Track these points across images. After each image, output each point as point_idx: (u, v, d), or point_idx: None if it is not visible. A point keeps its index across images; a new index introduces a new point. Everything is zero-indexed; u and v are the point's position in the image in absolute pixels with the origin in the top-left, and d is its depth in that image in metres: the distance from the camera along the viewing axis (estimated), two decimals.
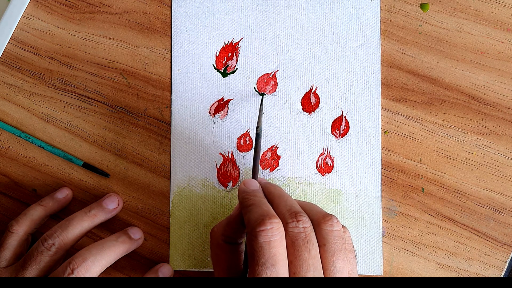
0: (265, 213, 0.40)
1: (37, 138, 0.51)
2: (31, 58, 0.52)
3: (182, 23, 0.52)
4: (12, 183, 0.52)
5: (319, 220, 0.42)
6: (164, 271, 0.49)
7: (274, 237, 0.39)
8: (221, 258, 0.44)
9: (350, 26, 0.51)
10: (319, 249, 0.41)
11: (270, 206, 0.42)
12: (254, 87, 0.51)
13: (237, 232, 0.44)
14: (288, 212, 0.41)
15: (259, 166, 0.51)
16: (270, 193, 0.44)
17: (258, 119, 0.48)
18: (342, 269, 0.41)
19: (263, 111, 0.50)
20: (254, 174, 0.46)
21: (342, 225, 0.42)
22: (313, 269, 0.39)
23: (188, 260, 0.50)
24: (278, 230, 0.39)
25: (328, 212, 0.43)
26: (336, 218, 0.42)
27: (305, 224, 0.41)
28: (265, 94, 0.50)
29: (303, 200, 0.50)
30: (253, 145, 0.46)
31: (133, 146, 0.51)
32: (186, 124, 0.51)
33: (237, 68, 0.51)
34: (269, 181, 0.50)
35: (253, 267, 0.39)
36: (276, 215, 0.40)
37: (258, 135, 0.47)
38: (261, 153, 0.51)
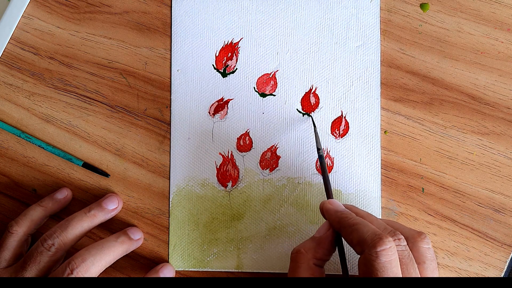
0: (378, 232, 0.39)
1: (37, 138, 0.51)
2: (31, 58, 0.52)
3: (182, 23, 0.52)
4: (12, 183, 0.52)
5: (415, 237, 0.42)
6: (166, 271, 0.49)
7: (393, 256, 0.39)
8: None
9: (350, 26, 0.51)
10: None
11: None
12: (254, 87, 0.51)
13: (328, 254, 0.43)
14: (385, 231, 0.41)
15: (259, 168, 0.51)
16: (358, 213, 0.44)
17: (316, 141, 0.49)
18: None
19: (317, 131, 0.50)
20: (330, 196, 0.46)
21: None
22: None
23: (187, 260, 0.50)
24: (395, 249, 0.39)
25: None
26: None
27: (404, 242, 0.41)
28: (309, 115, 0.50)
29: (303, 200, 0.50)
30: (321, 167, 0.47)
31: (133, 146, 0.51)
32: (186, 124, 0.51)
33: (236, 68, 0.51)
34: (269, 181, 0.50)
35: None
36: (387, 234, 0.40)
37: (321, 156, 0.48)
38: (261, 153, 0.51)
